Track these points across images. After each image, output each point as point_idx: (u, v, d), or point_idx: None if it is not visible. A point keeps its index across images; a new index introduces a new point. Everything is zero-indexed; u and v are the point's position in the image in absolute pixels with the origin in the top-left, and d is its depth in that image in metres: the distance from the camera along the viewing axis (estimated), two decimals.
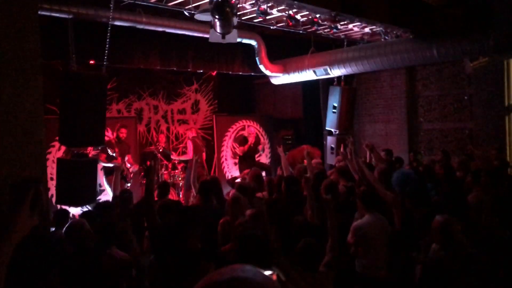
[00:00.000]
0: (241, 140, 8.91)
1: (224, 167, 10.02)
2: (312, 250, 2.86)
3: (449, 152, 7.35)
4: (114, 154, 7.02)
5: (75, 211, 6.59)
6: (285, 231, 3.59)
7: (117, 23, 6.06)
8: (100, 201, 6.24)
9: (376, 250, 3.67)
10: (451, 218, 3.13)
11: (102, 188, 8.02)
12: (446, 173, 5.40)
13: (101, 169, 7.22)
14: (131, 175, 7.47)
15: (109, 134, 7.90)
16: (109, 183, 7.11)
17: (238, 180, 6.46)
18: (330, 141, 8.87)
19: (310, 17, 6.37)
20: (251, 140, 8.80)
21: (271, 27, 6.87)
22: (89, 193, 5.18)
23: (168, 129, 9.71)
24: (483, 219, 3.60)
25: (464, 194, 4.48)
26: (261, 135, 10.39)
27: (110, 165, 7.05)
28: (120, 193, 4.94)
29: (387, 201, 4.32)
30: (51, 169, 6.76)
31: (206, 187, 4.57)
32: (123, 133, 7.36)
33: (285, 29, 7.00)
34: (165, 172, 8.15)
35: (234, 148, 10.14)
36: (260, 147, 8.91)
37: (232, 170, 9.96)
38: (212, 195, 4.51)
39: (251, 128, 9.39)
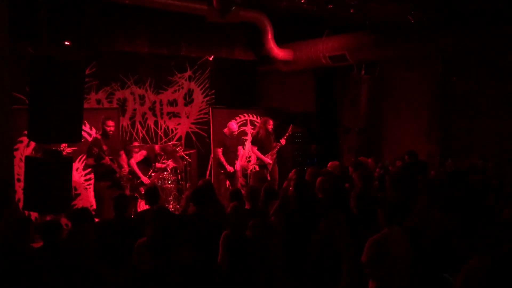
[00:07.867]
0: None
1: None
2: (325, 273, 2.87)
3: (486, 156, 7.33)
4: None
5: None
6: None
7: None
8: None
9: (397, 272, 3.55)
10: None
11: (77, 192, 8.08)
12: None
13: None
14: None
15: (86, 129, 7.94)
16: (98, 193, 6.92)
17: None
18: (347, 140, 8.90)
19: None
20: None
21: (280, 3, 6.90)
22: (62, 198, 5.21)
23: (156, 123, 9.75)
24: None
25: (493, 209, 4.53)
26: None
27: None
28: (115, 198, 4.82)
29: None
30: (18, 169, 6.80)
31: (200, 195, 4.63)
32: (111, 126, 7.00)
33: (296, 6, 7.02)
34: (153, 174, 8.17)
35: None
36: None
37: None
38: (208, 203, 4.59)
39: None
